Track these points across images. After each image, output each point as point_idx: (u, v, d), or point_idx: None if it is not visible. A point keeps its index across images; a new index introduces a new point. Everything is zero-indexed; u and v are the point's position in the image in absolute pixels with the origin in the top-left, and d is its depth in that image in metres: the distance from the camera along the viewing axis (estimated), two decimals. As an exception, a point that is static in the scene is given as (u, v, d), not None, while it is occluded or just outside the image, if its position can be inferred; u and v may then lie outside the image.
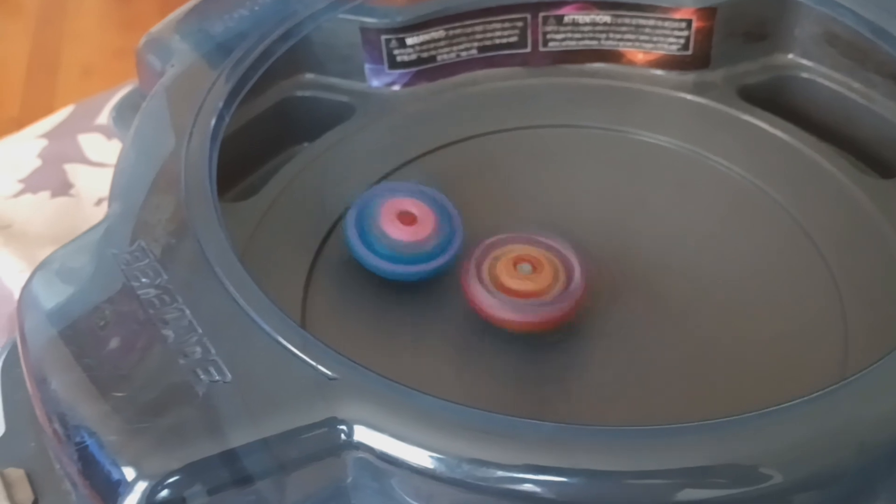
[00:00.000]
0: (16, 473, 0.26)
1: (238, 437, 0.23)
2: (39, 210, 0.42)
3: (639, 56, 0.38)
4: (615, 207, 0.34)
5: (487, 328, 0.30)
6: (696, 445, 0.23)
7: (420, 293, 0.32)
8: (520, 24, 0.38)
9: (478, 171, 0.35)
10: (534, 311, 0.29)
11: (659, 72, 0.38)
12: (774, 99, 0.37)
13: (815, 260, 0.32)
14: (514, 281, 0.29)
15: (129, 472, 0.23)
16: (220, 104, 0.32)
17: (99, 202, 0.42)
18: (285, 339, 0.25)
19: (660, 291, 0.31)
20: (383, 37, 0.37)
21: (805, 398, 0.24)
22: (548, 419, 0.23)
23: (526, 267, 0.30)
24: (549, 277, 0.30)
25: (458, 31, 0.37)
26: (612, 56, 0.38)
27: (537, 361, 0.30)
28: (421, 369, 0.29)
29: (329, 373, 0.24)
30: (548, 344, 0.30)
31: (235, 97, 0.33)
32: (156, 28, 0.36)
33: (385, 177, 0.35)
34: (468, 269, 0.30)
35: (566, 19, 0.38)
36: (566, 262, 0.30)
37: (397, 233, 0.31)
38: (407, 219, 0.31)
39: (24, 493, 0.26)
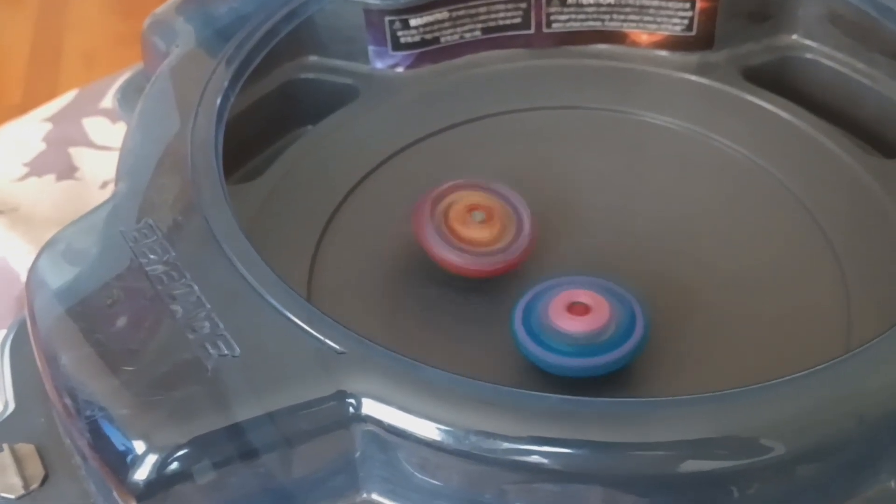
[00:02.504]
0: (26, 449, 0.26)
1: (247, 411, 0.23)
2: (45, 193, 0.42)
3: (642, 37, 0.38)
4: (619, 188, 0.34)
5: (495, 302, 0.30)
6: (699, 417, 0.23)
7: (422, 271, 0.32)
8: (523, 5, 0.38)
9: (481, 152, 0.35)
10: (483, 260, 0.30)
11: (663, 53, 0.38)
12: (778, 80, 0.38)
13: (818, 239, 0.32)
14: (467, 229, 0.30)
15: (138, 446, 0.23)
16: (225, 84, 0.32)
17: (104, 185, 0.42)
18: (293, 313, 0.25)
19: (663, 271, 0.32)
20: (387, 18, 0.37)
21: (806, 371, 0.24)
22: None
23: (479, 215, 0.31)
24: (499, 227, 0.31)
25: (461, 13, 0.37)
26: (615, 37, 0.38)
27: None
28: (425, 343, 0.29)
29: (336, 347, 0.24)
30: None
31: (239, 78, 0.33)
32: (160, 9, 0.36)
33: (388, 159, 0.35)
34: (422, 213, 0.30)
35: (570, 0, 0.38)
36: (517, 213, 0.31)
37: (571, 325, 0.28)
38: (578, 309, 0.28)
39: (35, 468, 0.26)
